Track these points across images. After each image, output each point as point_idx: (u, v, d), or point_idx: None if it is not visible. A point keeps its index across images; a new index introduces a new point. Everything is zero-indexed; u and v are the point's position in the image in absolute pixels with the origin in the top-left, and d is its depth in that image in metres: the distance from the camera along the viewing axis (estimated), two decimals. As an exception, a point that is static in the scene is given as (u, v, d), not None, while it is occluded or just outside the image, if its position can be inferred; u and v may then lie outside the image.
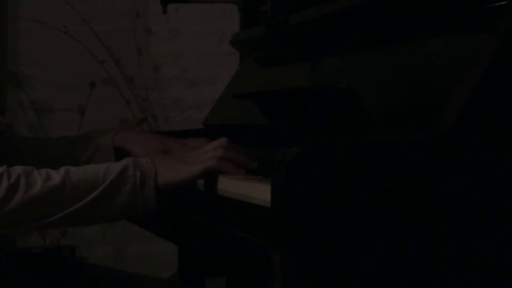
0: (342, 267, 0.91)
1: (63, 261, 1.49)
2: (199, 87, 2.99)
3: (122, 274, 1.43)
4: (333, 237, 0.91)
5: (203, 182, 1.24)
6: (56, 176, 1.16)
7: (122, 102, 2.92)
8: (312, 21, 1.51)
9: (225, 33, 2.75)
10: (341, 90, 1.33)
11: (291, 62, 1.60)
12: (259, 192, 1.02)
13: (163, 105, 3.00)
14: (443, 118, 1.03)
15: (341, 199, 0.91)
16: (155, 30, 2.99)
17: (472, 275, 0.98)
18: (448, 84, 1.08)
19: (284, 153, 0.91)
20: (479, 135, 0.99)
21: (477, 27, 1.10)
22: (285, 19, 1.57)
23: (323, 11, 1.47)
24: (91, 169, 1.19)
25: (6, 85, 2.90)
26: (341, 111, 1.30)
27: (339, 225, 0.91)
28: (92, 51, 2.83)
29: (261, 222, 0.97)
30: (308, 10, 1.52)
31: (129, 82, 2.94)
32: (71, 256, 2.72)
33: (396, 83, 1.22)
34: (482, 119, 1.02)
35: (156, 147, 1.48)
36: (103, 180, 1.17)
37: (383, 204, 0.93)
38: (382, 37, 1.31)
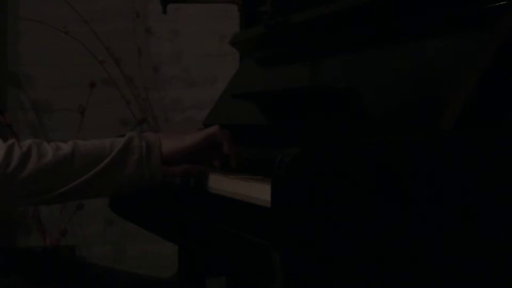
0: (342, 267, 0.91)
1: (63, 261, 1.49)
2: (199, 87, 2.99)
3: (122, 274, 1.43)
4: (333, 237, 0.91)
5: (203, 182, 1.24)
6: (66, 146, 1.19)
7: (122, 102, 2.92)
8: (312, 21, 1.51)
9: (225, 33, 2.74)
10: (341, 90, 1.33)
11: (291, 62, 1.60)
12: (259, 192, 1.02)
13: (163, 105, 3.00)
14: (444, 118, 1.03)
15: (341, 199, 0.91)
16: (155, 30, 2.99)
17: (472, 276, 0.98)
18: (448, 84, 1.08)
19: (284, 154, 0.91)
20: (479, 135, 0.99)
21: (477, 27, 1.10)
22: (285, 19, 1.57)
23: (323, 11, 1.47)
24: (97, 142, 1.22)
25: (6, 85, 2.90)
26: (341, 111, 1.30)
27: (339, 225, 0.91)
28: (92, 51, 2.83)
29: (261, 222, 0.97)
30: (308, 10, 1.52)
31: (129, 82, 2.94)
32: (71, 256, 2.72)
33: (396, 83, 1.22)
34: (482, 119, 1.02)
35: None
36: (110, 151, 1.20)
37: (383, 204, 0.93)
38: (382, 37, 1.31)
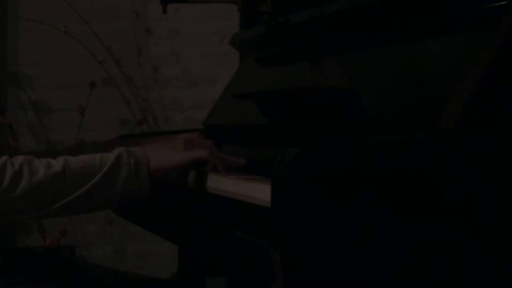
0: (342, 267, 0.91)
1: (63, 261, 1.49)
2: (199, 87, 2.99)
3: (122, 274, 1.44)
4: (332, 236, 0.91)
5: (204, 182, 1.24)
6: (57, 164, 1.21)
7: (122, 102, 2.91)
8: (312, 21, 1.51)
9: (225, 33, 2.74)
10: (341, 90, 1.33)
11: (291, 62, 1.60)
12: (259, 192, 1.02)
13: (163, 105, 3.00)
14: (443, 118, 1.03)
15: (340, 199, 0.91)
16: (155, 30, 2.98)
17: (472, 276, 0.98)
18: (448, 84, 1.08)
19: (284, 153, 0.91)
20: (479, 135, 0.99)
21: (477, 27, 1.10)
22: (285, 19, 1.57)
23: (323, 11, 1.47)
24: (87, 158, 1.24)
25: (6, 85, 2.90)
26: (341, 111, 1.30)
27: (338, 225, 0.91)
28: (92, 51, 2.83)
29: (261, 222, 0.97)
30: (308, 10, 1.52)
31: (129, 82, 2.94)
32: (71, 256, 2.72)
33: (396, 83, 1.22)
34: (482, 119, 1.02)
35: None
36: (100, 168, 1.22)
37: (383, 204, 0.93)
38: (382, 37, 1.31)
